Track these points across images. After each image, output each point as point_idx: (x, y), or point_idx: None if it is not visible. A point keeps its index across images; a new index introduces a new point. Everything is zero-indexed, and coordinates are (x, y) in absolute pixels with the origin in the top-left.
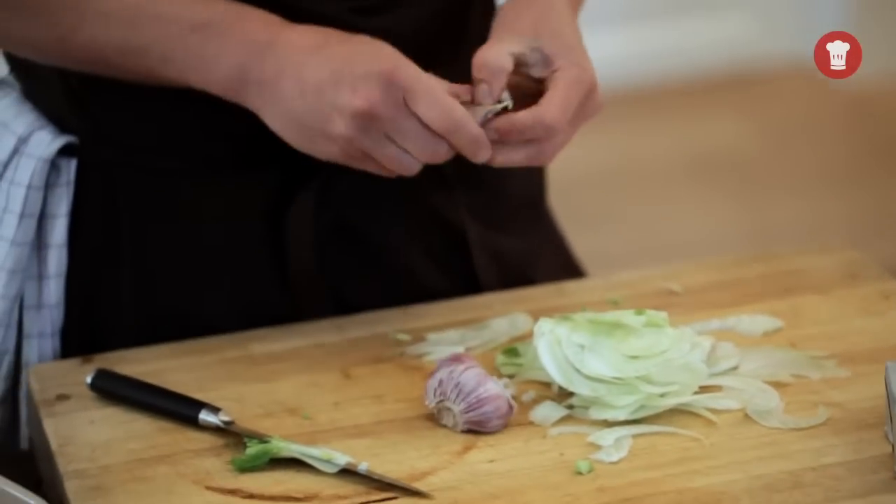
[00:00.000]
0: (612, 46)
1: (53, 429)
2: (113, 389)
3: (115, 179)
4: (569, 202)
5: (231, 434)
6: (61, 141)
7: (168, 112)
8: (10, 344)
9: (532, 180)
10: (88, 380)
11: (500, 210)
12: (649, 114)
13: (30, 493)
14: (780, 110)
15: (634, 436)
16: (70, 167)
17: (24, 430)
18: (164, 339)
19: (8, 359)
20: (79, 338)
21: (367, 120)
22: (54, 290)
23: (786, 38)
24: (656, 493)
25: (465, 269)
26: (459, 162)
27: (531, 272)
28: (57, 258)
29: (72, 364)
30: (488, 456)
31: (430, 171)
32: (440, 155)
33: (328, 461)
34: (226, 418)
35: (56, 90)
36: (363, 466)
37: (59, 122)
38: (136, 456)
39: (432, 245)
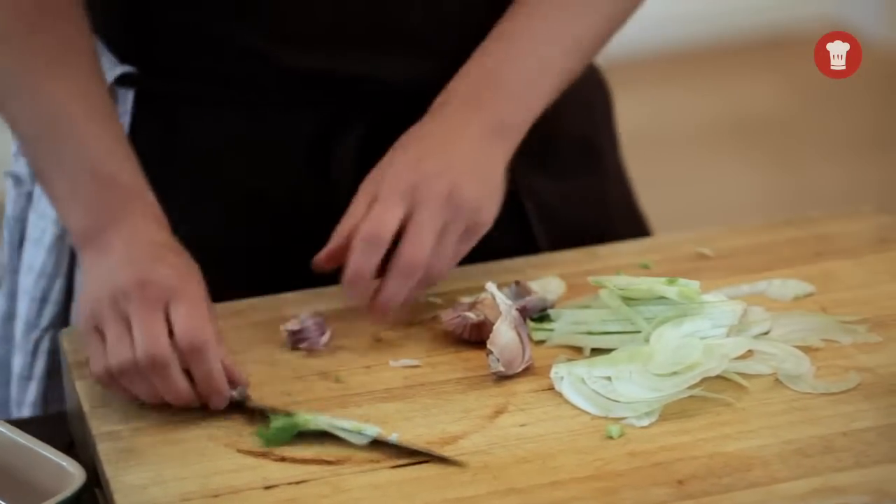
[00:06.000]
0: (648, 8)
1: (86, 391)
2: None
3: (170, 110)
4: None
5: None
6: (119, 70)
7: (221, 44)
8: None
9: (585, 119)
10: None
11: (549, 150)
12: (684, 76)
13: (62, 455)
14: (815, 72)
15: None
16: (128, 98)
17: None
18: (211, 270)
19: (60, 282)
20: None
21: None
22: None
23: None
24: (687, 457)
25: (518, 219)
26: None
27: (590, 216)
28: None
29: None
30: (519, 420)
31: None
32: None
33: (358, 433)
34: (244, 393)
35: (115, 18)
36: (393, 437)
37: (118, 51)
38: (167, 419)
39: None
